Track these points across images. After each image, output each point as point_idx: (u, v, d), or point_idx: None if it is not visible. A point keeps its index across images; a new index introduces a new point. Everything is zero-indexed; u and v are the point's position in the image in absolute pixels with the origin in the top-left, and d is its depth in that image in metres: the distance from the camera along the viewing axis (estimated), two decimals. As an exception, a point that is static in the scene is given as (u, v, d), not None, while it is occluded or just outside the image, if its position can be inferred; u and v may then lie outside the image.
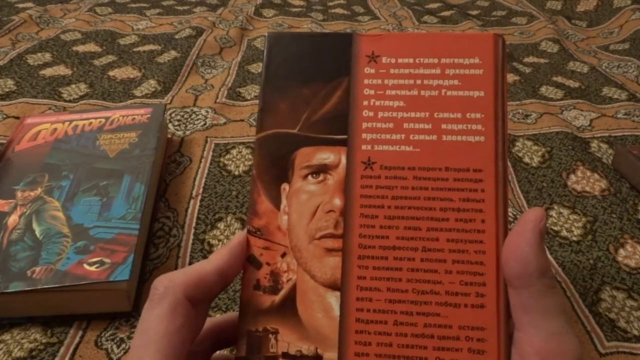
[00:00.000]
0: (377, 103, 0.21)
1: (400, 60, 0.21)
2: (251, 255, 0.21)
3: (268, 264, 0.21)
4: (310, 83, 0.22)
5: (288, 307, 0.20)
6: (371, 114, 0.21)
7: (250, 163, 0.50)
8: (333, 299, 0.20)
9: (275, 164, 0.21)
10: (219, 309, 0.35)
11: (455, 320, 0.19)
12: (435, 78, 0.21)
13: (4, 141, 0.50)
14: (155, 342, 0.17)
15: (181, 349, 0.18)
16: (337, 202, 0.20)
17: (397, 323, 0.19)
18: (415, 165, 0.20)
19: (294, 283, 0.20)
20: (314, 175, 0.21)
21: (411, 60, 0.21)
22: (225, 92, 0.63)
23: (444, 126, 0.21)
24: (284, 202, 0.21)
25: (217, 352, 0.22)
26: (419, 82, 0.21)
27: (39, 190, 0.39)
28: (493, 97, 0.21)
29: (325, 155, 0.21)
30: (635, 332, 0.34)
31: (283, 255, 0.21)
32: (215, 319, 0.22)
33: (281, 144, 0.21)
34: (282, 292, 0.20)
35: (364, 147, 0.21)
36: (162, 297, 0.18)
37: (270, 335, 0.20)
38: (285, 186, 0.21)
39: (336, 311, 0.20)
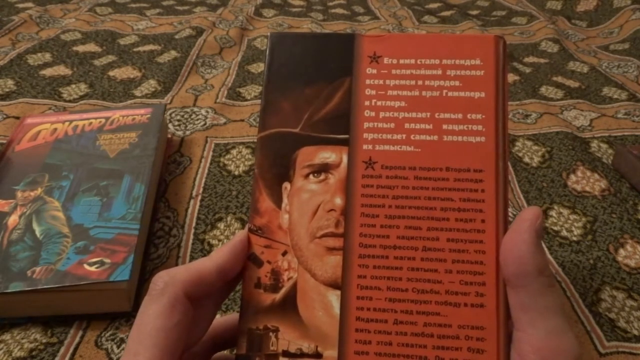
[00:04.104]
0: (379, 103, 0.21)
1: (401, 61, 0.22)
2: (252, 254, 0.21)
3: (269, 262, 0.21)
4: (312, 83, 0.22)
5: (289, 306, 0.20)
6: (372, 114, 0.21)
7: (250, 163, 0.50)
8: (333, 298, 0.20)
9: (277, 163, 0.21)
10: (219, 309, 0.35)
11: (455, 320, 0.19)
12: (436, 79, 0.21)
13: (4, 141, 0.50)
14: (151, 337, 0.17)
15: (177, 345, 0.18)
16: (338, 201, 0.21)
17: (397, 322, 0.19)
18: (416, 165, 0.20)
19: (294, 281, 0.20)
20: (316, 175, 0.21)
21: (412, 61, 0.21)
22: (225, 92, 0.63)
23: (444, 126, 0.21)
24: (285, 200, 0.21)
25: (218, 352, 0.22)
26: (420, 82, 0.21)
27: (39, 190, 0.39)
28: (494, 98, 0.21)
29: (326, 155, 0.21)
30: (635, 332, 0.34)
31: (284, 253, 0.21)
32: (216, 320, 0.22)
33: (283, 143, 0.22)
34: (283, 291, 0.20)
35: (365, 146, 0.21)
36: (161, 292, 0.18)
37: (271, 334, 0.20)
38: (286, 185, 0.21)
39: (336, 310, 0.20)
